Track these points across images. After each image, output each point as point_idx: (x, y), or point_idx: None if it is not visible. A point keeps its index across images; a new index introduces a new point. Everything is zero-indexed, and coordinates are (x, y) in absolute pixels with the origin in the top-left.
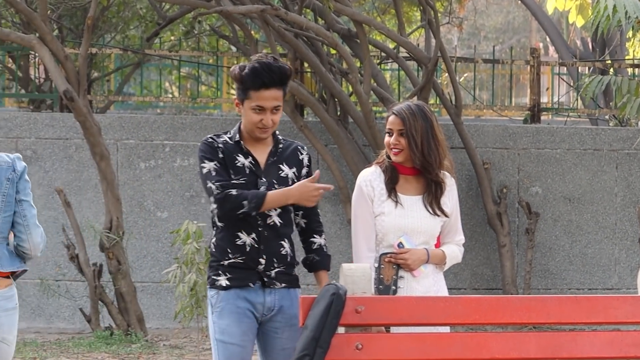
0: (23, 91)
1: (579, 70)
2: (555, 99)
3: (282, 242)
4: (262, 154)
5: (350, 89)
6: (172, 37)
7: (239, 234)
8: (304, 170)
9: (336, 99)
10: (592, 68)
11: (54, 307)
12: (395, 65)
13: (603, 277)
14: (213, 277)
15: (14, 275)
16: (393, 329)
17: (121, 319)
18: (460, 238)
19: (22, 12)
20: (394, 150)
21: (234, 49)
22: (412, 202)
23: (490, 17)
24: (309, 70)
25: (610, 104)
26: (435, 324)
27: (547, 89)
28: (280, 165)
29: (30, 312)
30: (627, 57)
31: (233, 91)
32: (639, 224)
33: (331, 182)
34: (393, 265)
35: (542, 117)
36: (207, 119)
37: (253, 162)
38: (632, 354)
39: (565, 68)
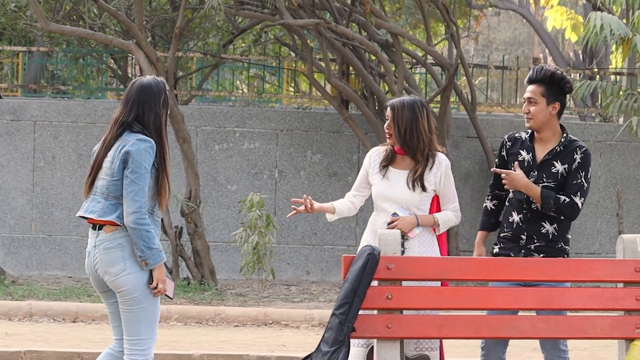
0: (122, 86)
1: (572, 76)
2: None
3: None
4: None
5: (387, 88)
6: (243, 44)
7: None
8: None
9: (375, 96)
10: (582, 74)
11: None
12: (424, 70)
13: (587, 244)
14: None
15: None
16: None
17: (196, 272)
18: (454, 206)
19: (122, 22)
20: (387, 134)
21: (293, 54)
22: (398, 176)
23: (501, 32)
24: (353, 72)
25: (597, 104)
26: (452, 279)
27: None
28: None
29: None
30: (610, 66)
31: (292, 88)
32: (617, 202)
33: None
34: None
35: None
36: (270, 110)
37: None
38: (610, 306)
39: None
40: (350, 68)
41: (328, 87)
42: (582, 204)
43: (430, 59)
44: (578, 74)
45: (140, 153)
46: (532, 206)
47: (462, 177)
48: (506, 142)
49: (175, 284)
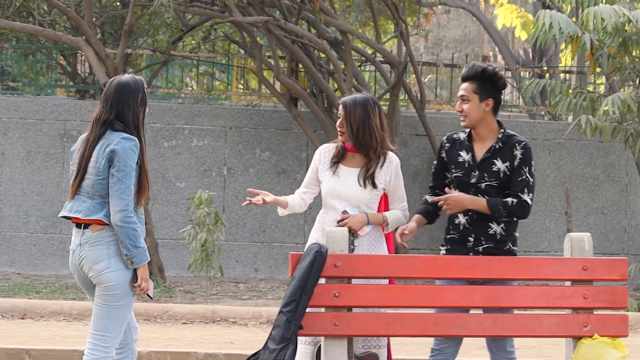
0: (71, 83)
1: (521, 75)
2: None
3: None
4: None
5: (336, 86)
6: (193, 41)
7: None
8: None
9: (324, 94)
10: (531, 73)
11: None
12: (373, 67)
13: (536, 242)
14: None
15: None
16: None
17: None
18: (403, 205)
19: (72, 19)
20: (339, 131)
21: (242, 51)
22: (348, 173)
23: (450, 30)
24: (302, 70)
25: (546, 102)
26: (400, 277)
27: None
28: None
29: None
30: (560, 65)
31: (241, 85)
32: (566, 200)
33: None
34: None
35: None
36: (219, 108)
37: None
38: (557, 305)
39: (510, 72)
40: (300, 66)
41: (277, 85)
42: (532, 199)
43: (379, 57)
44: (527, 72)
45: (126, 151)
46: None
47: (411, 175)
48: (445, 143)
49: (153, 285)
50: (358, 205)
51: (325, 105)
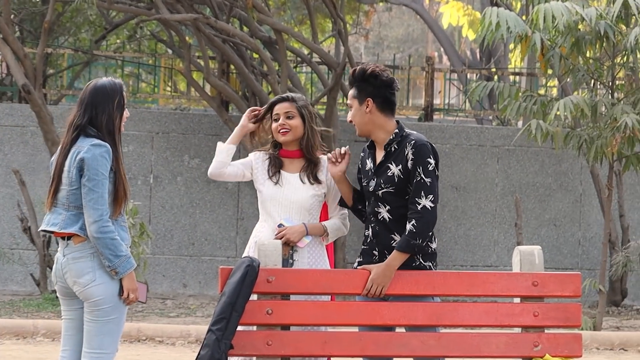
0: None
1: (468, 77)
2: (447, 101)
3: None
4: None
5: (269, 89)
6: (117, 40)
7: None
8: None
9: (257, 97)
10: (479, 75)
11: (8, 272)
12: (309, 69)
13: (484, 256)
14: None
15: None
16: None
17: None
18: (343, 213)
19: None
20: (283, 130)
21: (170, 51)
22: (290, 178)
23: (393, 29)
24: (234, 71)
25: (494, 106)
26: (336, 294)
27: (440, 92)
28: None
29: None
30: (509, 66)
31: (169, 88)
32: (516, 211)
33: None
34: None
35: (435, 117)
36: (145, 111)
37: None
38: (505, 323)
39: (456, 74)
40: (231, 67)
41: (207, 87)
42: (433, 201)
43: (316, 58)
44: (475, 74)
45: (96, 159)
46: (379, 217)
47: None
48: (361, 154)
49: (147, 286)
50: (299, 210)
51: None
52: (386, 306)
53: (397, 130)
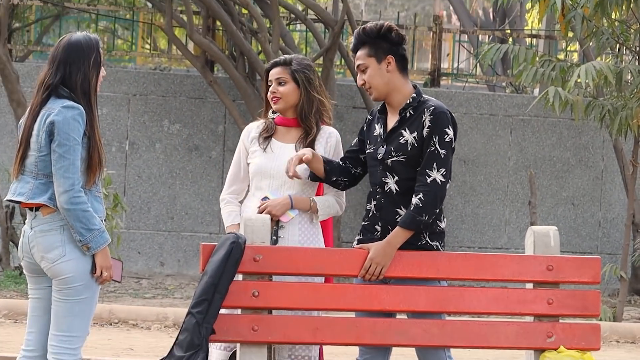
0: None
1: (479, 39)
2: (455, 65)
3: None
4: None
5: (259, 48)
6: None
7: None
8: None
9: (245, 57)
10: (491, 37)
11: None
12: (304, 27)
13: (493, 237)
14: None
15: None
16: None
17: None
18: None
19: None
20: (274, 97)
21: (149, 4)
22: (283, 149)
23: None
24: (220, 28)
25: (508, 71)
26: (331, 275)
27: (448, 55)
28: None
29: None
30: (525, 28)
31: (148, 45)
32: (530, 188)
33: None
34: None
35: (442, 82)
36: (121, 71)
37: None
38: (516, 311)
39: (466, 36)
40: (217, 23)
41: (190, 45)
42: (445, 175)
43: (311, 15)
44: (487, 36)
45: (68, 122)
46: (386, 188)
47: None
48: (368, 117)
49: (122, 263)
50: (292, 185)
51: (247, 70)
52: (385, 290)
53: (414, 95)
